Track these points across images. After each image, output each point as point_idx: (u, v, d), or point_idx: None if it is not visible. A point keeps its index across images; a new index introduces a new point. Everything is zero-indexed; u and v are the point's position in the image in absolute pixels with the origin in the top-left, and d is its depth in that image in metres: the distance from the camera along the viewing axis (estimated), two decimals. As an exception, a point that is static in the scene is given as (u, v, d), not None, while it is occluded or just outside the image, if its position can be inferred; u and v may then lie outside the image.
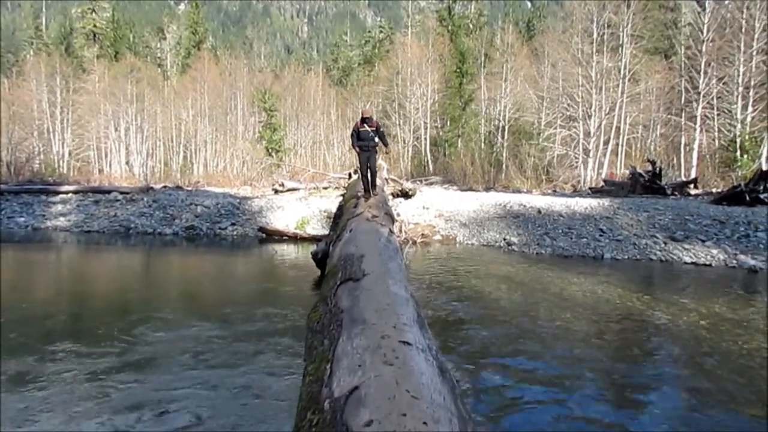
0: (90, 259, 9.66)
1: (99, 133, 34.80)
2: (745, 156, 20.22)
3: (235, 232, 11.87)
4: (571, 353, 4.36)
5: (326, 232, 9.62)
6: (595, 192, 17.59)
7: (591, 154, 24.37)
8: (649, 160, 16.92)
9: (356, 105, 36.54)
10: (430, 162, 31.51)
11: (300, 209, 12.82)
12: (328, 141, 37.92)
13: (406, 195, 13.47)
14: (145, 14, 77.23)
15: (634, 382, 3.84)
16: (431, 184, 20.75)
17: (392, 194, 12.94)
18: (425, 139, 32.65)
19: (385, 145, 8.04)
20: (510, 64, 32.26)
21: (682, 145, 24.15)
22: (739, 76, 21.20)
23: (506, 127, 31.64)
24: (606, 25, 24.44)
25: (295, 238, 11.11)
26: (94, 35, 43.27)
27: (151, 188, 17.09)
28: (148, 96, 36.01)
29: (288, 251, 10.01)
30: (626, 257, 9.15)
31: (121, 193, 15.18)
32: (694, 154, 22.87)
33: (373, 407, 1.60)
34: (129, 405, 3.21)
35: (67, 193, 15.20)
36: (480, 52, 34.95)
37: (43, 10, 67.60)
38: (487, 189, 20.53)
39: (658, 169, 15.97)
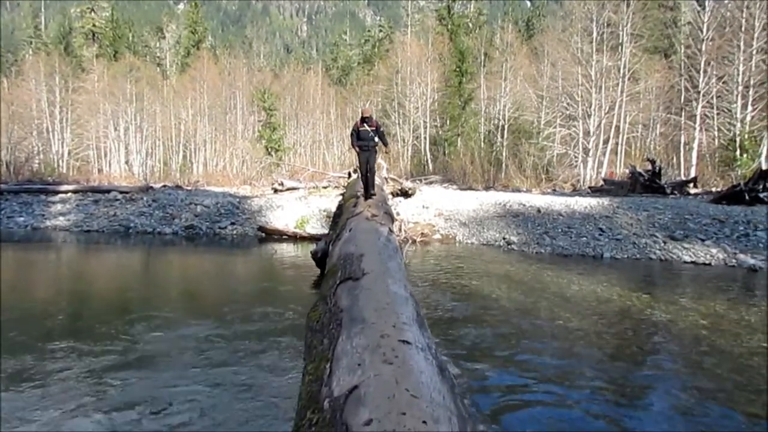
0: (89, 259, 9.65)
1: (98, 132, 34.77)
2: (745, 155, 20.21)
3: (234, 232, 11.86)
4: (571, 352, 4.36)
5: (326, 231, 9.62)
6: (595, 191, 17.59)
7: (590, 153, 24.36)
8: (648, 159, 16.92)
9: (356, 104, 36.55)
10: (429, 161, 31.52)
11: (299, 208, 12.81)
12: (327, 140, 37.93)
13: (405, 194, 13.46)
14: (145, 14, 77.12)
15: (633, 380, 3.84)
16: (431, 183, 20.75)
17: (392, 193, 12.93)
18: (425, 138, 32.65)
19: (385, 144, 8.01)
20: (509, 63, 32.26)
21: (682, 144, 24.14)
22: (738, 75, 21.18)
23: (506, 126, 31.64)
24: (605, 24, 24.42)
25: (294, 238, 11.11)
26: (94, 35, 43.21)
27: (151, 188, 17.08)
28: (148, 95, 35.99)
29: (287, 250, 10.01)
30: (626, 256, 9.15)
31: (121, 192, 15.18)
32: (694, 153, 22.86)
33: (372, 406, 1.60)
34: (128, 404, 3.21)
35: (66, 192, 15.20)
36: (479, 51, 34.97)
37: (42, 9, 67.58)
38: (487, 188, 20.54)
39: (657, 168, 15.97)
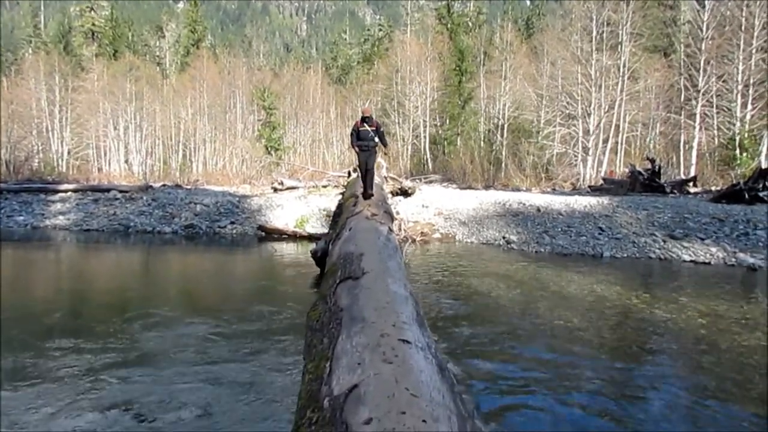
0: (89, 258, 9.65)
1: (98, 131, 34.72)
2: (745, 154, 20.21)
3: (234, 231, 11.87)
4: (571, 351, 4.36)
5: (325, 230, 9.63)
6: (595, 190, 17.58)
7: (590, 153, 24.35)
8: (648, 158, 16.92)
9: (355, 103, 36.52)
10: (429, 160, 31.51)
11: (299, 208, 12.81)
12: (327, 139, 37.90)
13: (405, 193, 13.46)
14: (144, 13, 76.97)
15: (633, 379, 3.84)
16: (430, 182, 20.75)
17: (391, 192, 12.93)
18: (424, 137, 32.64)
19: (385, 145, 7.99)
20: (509, 62, 32.21)
21: (682, 143, 24.14)
22: (738, 74, 21.16)
23: (505, 126, 31.62)
24: (605, 23, 24.40)
25: (294, 237, 11.10)
26: (93, 34, 43.15)
27: (150, 187, 17.07)
28: (147, 94, 35.92)
29: (287, 249, 10.01)
30: (625, 255, 9.16)
31: (121, 191, 15.17)
32: (694, 152, 22.85)
33: (372, 405, 1.61)
34: (127, 402, 3.21)
35: (66, 191, 15.18)
36: (479, 50, 34.93)
37: (42, 8, 67.53)
38: (487, 187, 20.53)
39: (657, 167, 15.96)
